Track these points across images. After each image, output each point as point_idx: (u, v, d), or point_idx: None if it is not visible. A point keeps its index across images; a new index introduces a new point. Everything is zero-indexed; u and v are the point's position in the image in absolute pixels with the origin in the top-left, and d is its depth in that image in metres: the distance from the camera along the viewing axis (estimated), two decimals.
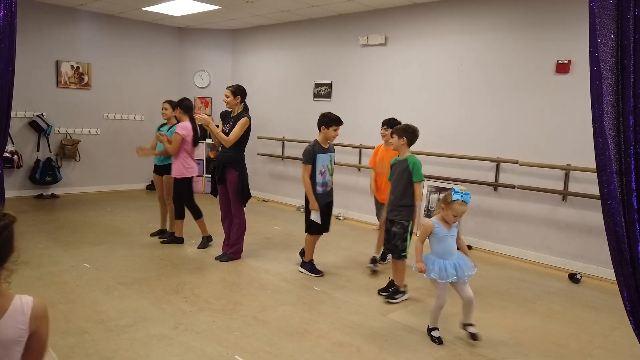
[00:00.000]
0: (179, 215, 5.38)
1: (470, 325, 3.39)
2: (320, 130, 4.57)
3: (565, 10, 5.11)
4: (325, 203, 4.59)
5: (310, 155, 4.49)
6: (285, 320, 3.59)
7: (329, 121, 4.49)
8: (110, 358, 2.92)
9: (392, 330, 3.51)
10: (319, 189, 4.51)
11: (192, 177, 5.31)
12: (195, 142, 5.28)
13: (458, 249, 3.38)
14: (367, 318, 3.71)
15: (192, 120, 5.26)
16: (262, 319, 3.60)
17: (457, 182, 6.01)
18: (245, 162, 4.88)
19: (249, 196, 4.91)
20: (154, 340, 3.17)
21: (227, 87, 4.82)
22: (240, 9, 7.26)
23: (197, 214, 5.35)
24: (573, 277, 4.89)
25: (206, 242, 5.40)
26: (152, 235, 5.69)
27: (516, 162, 5.51)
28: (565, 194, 5.19)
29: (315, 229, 4.55)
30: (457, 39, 6.04)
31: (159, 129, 5.53)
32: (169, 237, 5.49)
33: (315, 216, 4.46)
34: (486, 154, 5.80)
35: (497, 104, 5.72)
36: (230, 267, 4.74)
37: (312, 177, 4.49)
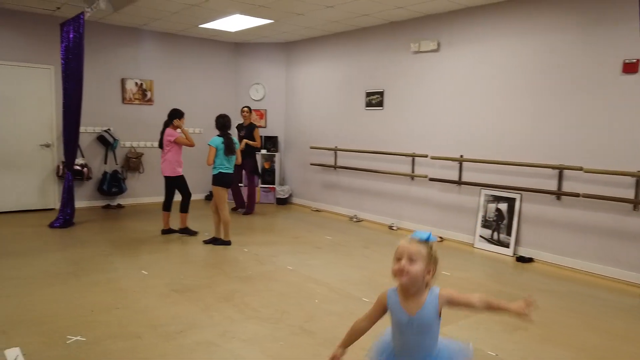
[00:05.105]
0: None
1: None
2: None
3: (632, 6, 4.76)
4: None
5: None
6: (332, 331, 3.54)
7: None
8: None
9: None
10: None
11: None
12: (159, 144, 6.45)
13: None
14: None
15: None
16: (309, 328, 3.57)
17: (517, 190, 5.73)
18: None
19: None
20: (200, 347, 3.23)
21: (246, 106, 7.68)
22: (292, 22, 7.38)
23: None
24: None
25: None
26: (206, 242, 5.86)
27: (581, 169, 5.17)
28: (636, 203, 4.80)
29: None
30: (513, 42, 5.79)
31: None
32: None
33: None
34: (548, 160, 5.48)
35: (559, 108, 5.41)
36: (279, 276, 4.76)
37: None
